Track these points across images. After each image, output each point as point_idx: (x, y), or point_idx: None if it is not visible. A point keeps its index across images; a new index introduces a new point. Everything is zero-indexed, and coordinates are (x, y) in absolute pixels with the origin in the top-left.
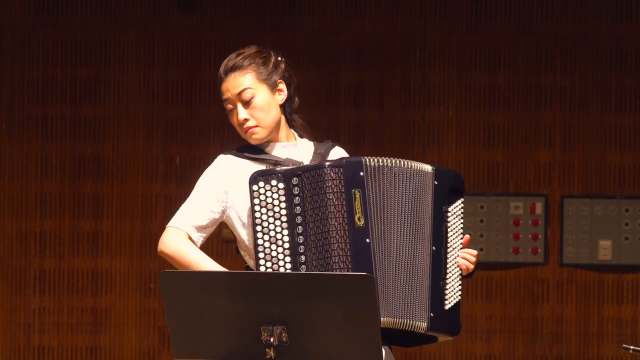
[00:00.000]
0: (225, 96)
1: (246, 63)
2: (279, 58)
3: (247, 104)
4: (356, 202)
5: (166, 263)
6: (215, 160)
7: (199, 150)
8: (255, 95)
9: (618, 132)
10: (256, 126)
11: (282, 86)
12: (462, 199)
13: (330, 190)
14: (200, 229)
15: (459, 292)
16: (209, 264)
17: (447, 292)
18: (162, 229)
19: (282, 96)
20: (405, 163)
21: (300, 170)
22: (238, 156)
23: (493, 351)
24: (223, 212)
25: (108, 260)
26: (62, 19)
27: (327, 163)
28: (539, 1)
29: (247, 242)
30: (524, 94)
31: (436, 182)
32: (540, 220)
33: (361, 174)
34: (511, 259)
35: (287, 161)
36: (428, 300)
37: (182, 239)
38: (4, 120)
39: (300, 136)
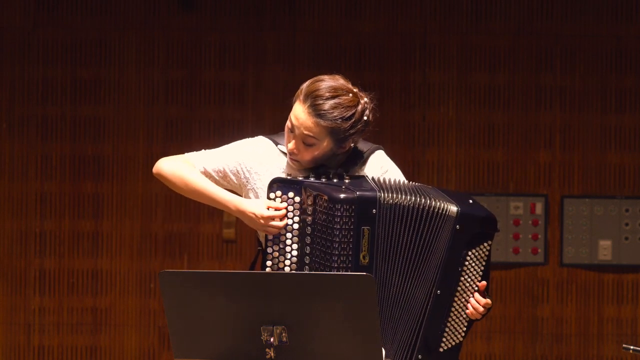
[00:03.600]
0: (292, 119)
1: (331, 116)
2: (365, 117)
3: (306, 144)
4: (364, 240)
5: (166, 263)
6: (256, 139)
7: (199, 150)
8: (316, 144)
9: (618, 132)
10: (299, 160)
11: (349, 143)
12: (489, 242)
13: (339, 227)
14: (210, 175)
15: (462, 335)
16: (209, 185)
17: (446, 333)
18: (162, 229)
19: (343, 150)
20: (427, 202)
21: (315, 191)
22: (276, 145)
23: (493, 351)
24: (238, 186)
25: (108, 260)
26: (62, 19)
27: (342, 195)
28: (539, 1)
29: (258, 232)
30: (524, 94)
31: (458, 227)
32: (540, 220)
33: (373, 211)
34: (511, 259)
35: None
36: (417, 343)
37: (185, 164)
38: (4, 120)
39: None
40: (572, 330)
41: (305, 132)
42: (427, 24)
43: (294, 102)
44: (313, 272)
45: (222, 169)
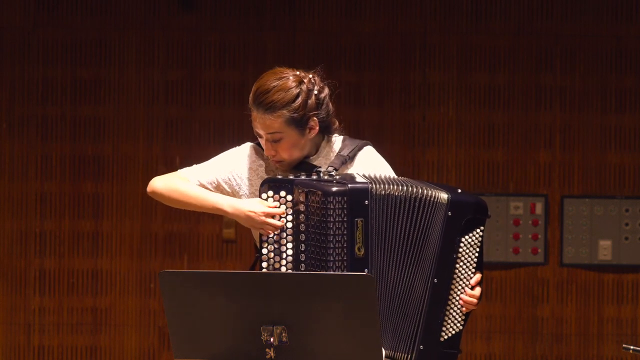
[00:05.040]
0: (254, 126)
1: (278, 106)
2: (314, 92)
3: (275, 142)
4: (358, 232)
5: (166, 263)
6: (242, 146)
7: (199, 150)
8: (284, 138)
9: (618, 132)
10: (281, 160)
11: (314, 122)
12: (481, 228)
13: (332, 220)
14: (203, 186)
15: (461, 322)
16: (203, 191)
17: (446, 322)
18: (162, 229)
19: (313, 131)
20: (418, 191)
21: (307, 188)
22: (263, 149)
23: (493, 351)
24: (232, 194)
25: (108, 260)
26: (62, 19)
27: (334, 189)
28: (539, 1)
29: (253, 234)
30: (524, 94)
31: (450, 213)
32: (540, 220)
33: (366, 202)
34: (511, 259)
35: (302, 166)
36: (419, 333)
37: (177, 178)
38: (4, 120)
39: (331, 133)
40: (572, 330)
41: (268, 132)
42: (427, 24)
43: (250, 113)
44: (313, 272)
45: (215, 180)
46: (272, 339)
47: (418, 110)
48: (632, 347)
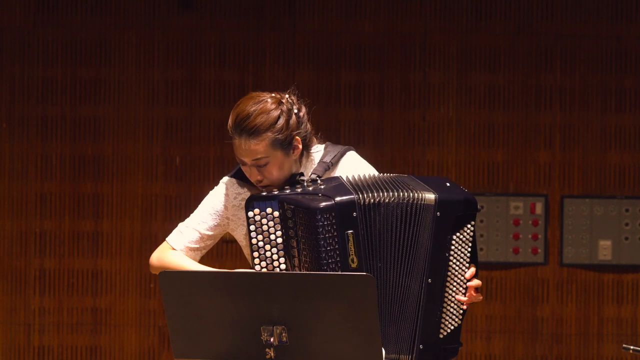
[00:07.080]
0: (237, 154)
1: (262, 129)
2: (293, 111)
3: (261, 167)
4: (349, 244)
5: None
6: (219, 186)
7: (199, 150)
8: (270, 161)
9: (618, 132)
10: (268, 185)
11: (297, 142)
12: (472, 223)
13: (323, 235)
14: (194, 249)
15: (459, 317)
16: (192, 265)
17: (444, 319)
18: (162, 229)
19: (297, 150)
20: (405, 195)
21: (294, 204)
22: (241, 181)
23: (493, 351)
24: (224, 231)
25: (108, 260)
26: (62, 19)
27: (321, 205)
28: (539, 1)
29: (244, 251)
30: (524, 94)
31: (438, 214)
32: (540, 220)
33: (354, 214)
34: (511, 259)
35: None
36: (417, 334)
37: (169, 253)
38: (4, 120)
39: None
40: (572, 330)
41: (253, 158)
42: (427, 24)
43: (232, 141)
44: (313, 272)
45: (204, 234)
46: (272, 339)
47: (418, 110)
48: (632, 347)
